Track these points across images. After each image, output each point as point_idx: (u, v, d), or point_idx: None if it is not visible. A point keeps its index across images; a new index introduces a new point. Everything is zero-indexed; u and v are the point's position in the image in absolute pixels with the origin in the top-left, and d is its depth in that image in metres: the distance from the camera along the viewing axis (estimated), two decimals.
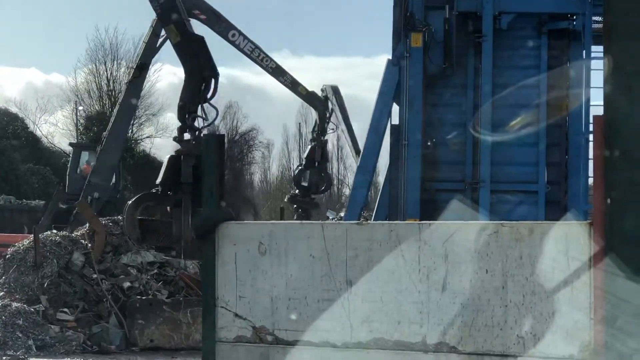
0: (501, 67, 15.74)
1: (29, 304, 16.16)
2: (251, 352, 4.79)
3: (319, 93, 31.64)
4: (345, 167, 63.31)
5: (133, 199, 19.03)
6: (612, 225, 3.91)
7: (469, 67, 15.86)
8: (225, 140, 5.27)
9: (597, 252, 4.00)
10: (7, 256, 17.52)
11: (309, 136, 38.10)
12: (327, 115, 31.71)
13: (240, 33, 27.18)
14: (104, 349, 15.70)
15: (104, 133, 29.12)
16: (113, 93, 53.13)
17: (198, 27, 24.61)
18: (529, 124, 15.41)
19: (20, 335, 15.36)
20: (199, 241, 5.02)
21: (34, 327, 15.63)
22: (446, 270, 4.36)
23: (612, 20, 3.93)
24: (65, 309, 16.53)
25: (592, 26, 15.71)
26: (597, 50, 15.68)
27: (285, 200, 35.33)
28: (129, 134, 47.41)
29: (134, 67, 27.79)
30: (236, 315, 4.82)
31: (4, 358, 14.62)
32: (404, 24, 15.76)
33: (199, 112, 19.08)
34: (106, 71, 54.89)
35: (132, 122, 41.55)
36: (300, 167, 33.61)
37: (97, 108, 54.68)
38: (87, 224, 18.86)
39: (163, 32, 23.72)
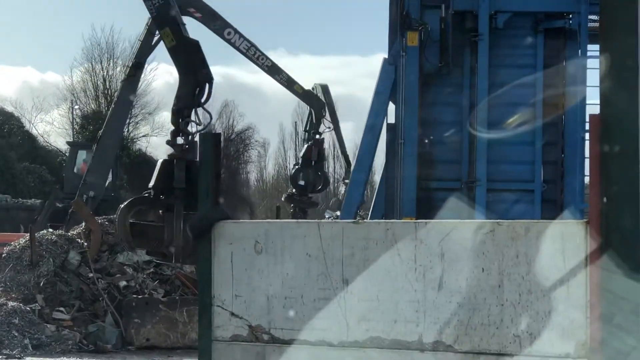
0: (497, 66, 15.77)
1: (25, 303, 16.14)
2: (247, 351, 4.78)
3: None
4: (341, 166, 63.35)
5: (125, 203, 19.00)
6: (609, 223, 3.91)
7: (465, 66, 15.88)
8: (222, 139, 5.26)
9: (594, 251, 4.00)
10: (3, 255, 17.48)
11: (304, 135, 38.05)
12: (323, 113, 31.74)
13: (236, 31, 27.13)
14: (100, 348, 15.69)
15: (100, 132, 29.07)
16: (109, 92, 53.03)
17: (194, 25, 24.59)
18: (525, 122, 15.43)
19: (16, 334, 15.34)
20: (195, 241, 5.01)
21: (30, 326, 15.61)
22: (442, 269, 4.36)
23: (608, 19, 3.93)
24: (62, 308, 16.51)
25: (588, 25, 15.75)
26: (593, 48, 15.71)
27: (283, 199, 35.31)
28: (125, 133, 47.43)
29: (130, 65, 27.76)
30: (232, 314, 4.82)
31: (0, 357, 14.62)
32: (400, 23, 15.78)
33: (193, 117, 19.04)
34: (102, 70, 54.87)
35: (127, 121, 41.52)
36: (296, 166, 33.60)
37: (93, 107, 54.62)
38: (83, 223, 18.84)
39: None
